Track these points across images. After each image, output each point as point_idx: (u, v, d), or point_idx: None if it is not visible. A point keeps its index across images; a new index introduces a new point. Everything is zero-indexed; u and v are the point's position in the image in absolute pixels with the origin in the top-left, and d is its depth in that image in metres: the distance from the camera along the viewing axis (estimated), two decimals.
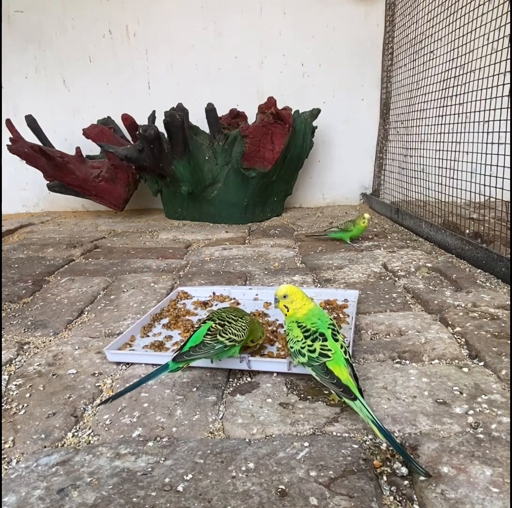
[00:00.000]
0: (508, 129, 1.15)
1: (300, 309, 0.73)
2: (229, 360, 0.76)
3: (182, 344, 0.72)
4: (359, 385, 0.64)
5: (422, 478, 0.52)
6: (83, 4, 2.29)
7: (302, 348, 0.67)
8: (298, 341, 0.69)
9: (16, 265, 1.46)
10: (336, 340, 0.68)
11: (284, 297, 0.74)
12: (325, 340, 0.67)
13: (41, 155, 2.01)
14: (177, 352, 0.70)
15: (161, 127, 1.89)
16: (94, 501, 0.51)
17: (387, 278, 1.22)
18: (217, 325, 0.73)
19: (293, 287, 0.75)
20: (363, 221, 1.55)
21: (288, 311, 0.74)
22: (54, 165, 2.05)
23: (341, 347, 0.68)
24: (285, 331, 0.75)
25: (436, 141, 1.65)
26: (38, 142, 2.15)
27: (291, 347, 0.70)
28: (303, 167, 2.23)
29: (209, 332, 0.72)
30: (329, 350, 0.66)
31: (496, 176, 1.21)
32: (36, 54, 2.35)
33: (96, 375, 0.79)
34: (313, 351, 0.66)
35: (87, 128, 2.14)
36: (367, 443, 0.59)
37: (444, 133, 1.60)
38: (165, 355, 0.82)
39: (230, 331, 0.72)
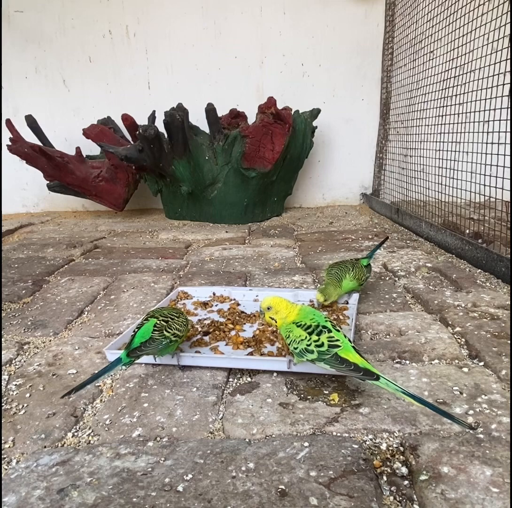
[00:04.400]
0: (508, 129, 1.15)
1: (286, 318, 0.73)
2: (165, 357, 0.79)
3: (130, 340, 0.74)
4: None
5: (422, 478, 0.52)
6: (83, 4, 2.29)
7: (308, 345, 0.67)
8: (302, 340, 0.68)
9: (16, 265, 1.46)
10: (338, 330, 0.69)
11: (268, 308, 0.75)
12: (329, 331, 0.68)
13: (41, 155, 2.01)
14: (129, 347, 0.72)
15: (161, 127, 1.89)
16: (94, 501, 0.51)
17: (387, 278, 1.22)
18: (162, 321, 0.76)
19: (276, 297, 0.76)
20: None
21: (276, 322, 0.75)
22: (54, 165, 2.05)
23: (345, 336, 0.69)
24: (283, 335, 0.74)
25: (436, 141, 1.65)
26: (38, 142, 2.15)
27: (295, 348, 0.69)
28: (303, 167, 2.23)
29: (155, 328, 0.75)
30: (337, 339, 0.67)
31: (496, 176, 1.21)
32: (36, 54, 2.35)
33: None
34: (321, 345, 0.66)
35: (87, 128, 2.14)
36: (367, 443, 0.59)
37: (444, 133, 1.60)
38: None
39: (174, 327, 0.76)
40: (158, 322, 0.76)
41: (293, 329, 0.71)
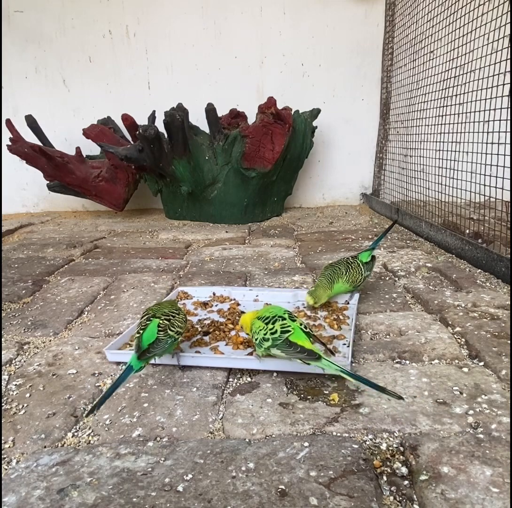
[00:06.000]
0: (508, 129, 1.15)
1: (251, 320, 0.79)
2: (165, 356, 0.79)
3: (137, 343, 0.73)
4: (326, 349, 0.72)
5: (422, 478, 0.52)
6: (83, 4, 2.29)
7: (265, 333, 0.72)
8: (260, 330, 0.74)
9: (16, 265, 1.46)
10: (294, 321, 0.74)
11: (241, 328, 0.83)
12: (283, 319, 0.73)
13: (41, 155, 2.01)
14: (138, 352, 0.71)
15: (161, 127, 1.89)
16: (94, 501, 0.51)
17: (387, 278, 1.22)
18: (164, 321, 0.76)
19: (242, 317, 0.82)
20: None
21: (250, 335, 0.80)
22: (54, 165, 2.05)
23: (301, 324, 0.73)
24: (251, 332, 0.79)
25: (436, 141, 1.65)
26: (38, 142, 2.15)
27: (256, 339, 0.74)
28: (303, 167, 2.23)
29: (159, 328, 0.75)
30: (288, 326, 0.72)
31: (496, 176, 1.21)
32: (36, 54, 2.35)
33: (96, 375, 0.79)
34: (275, 332, 0.72)
35: (87, 128, 2.14)
36: (367, 443, 0.59)
37: (444, 133, 1.60)
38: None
39: (176, 325, 0.77)
40: (161, 321, 0.76)
41: (255, 322, 0.76)
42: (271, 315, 0.75)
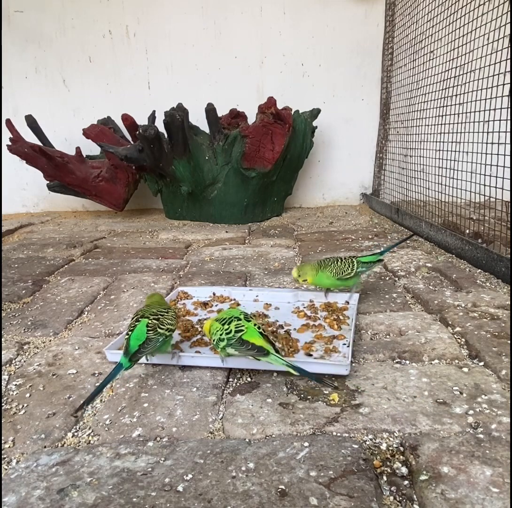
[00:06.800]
0: (508, 129, 1.15)
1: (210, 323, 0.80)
2: (162, 356, 0.80)
3: (126, 344, 0.74)
4: (276, 348, 0.72)
5: (422, 478, 0.52)
6: (83, 4, 2.29)
7: (221, 334, 0.74)
8: (217, 331, 0.75)
9: (16, 265, 1.46)
10: (249, 321, 0.75)
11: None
12: (238, 319, 0.75)
13: (41, 155, 2.01)
14: (127, 351, 0.72)
15: (161, 127, 1.89)
16: (94, 501, 0.51)
17: (387, 278, 1.23)
18: (153, 320, 0.77)
19: (206, 324, 0.82)
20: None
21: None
22: (54, 165, 2.05)
23: (255, 325, 0.75)
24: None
25: (436, 141, 1.65)
26: (38, 142, 2.15)
27: (213, 340, 0.75)
28: (303, 167, 2.23)
29: (148, 328, 0.75)
30: (242, 326, 0.74)
31: (496, 176, 1.21)
32: (36, 54, 2.35)
33: (96, 375, 0.79)
34: (230, 332, 0.73)
35: (87, 128, 2.14)
36: (367, 443, 0.59)
37: (444, 133, 1.60)
38: (163, 354, 0.82)
39: (166, 322, 0.77)
40: (149, 321, 0.76)
41: (213, 324, 0.77)
42: (228, 316, 0.77)
